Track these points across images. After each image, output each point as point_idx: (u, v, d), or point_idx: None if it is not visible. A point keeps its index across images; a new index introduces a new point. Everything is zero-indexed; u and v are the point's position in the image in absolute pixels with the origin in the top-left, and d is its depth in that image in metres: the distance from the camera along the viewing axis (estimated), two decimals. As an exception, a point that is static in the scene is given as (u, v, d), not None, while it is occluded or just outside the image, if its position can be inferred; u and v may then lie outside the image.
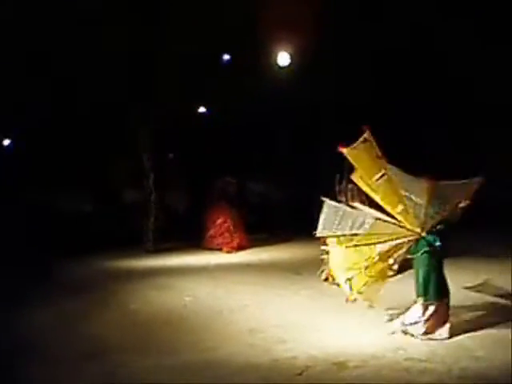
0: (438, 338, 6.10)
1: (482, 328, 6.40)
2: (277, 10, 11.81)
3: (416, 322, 6.20)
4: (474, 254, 10.56)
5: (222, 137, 15.94)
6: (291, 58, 12.72)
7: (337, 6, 12.84)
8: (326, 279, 9.16)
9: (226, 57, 14.80)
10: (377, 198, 6.63)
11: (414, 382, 5.05)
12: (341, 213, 6.48)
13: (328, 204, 6.64)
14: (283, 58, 12.78)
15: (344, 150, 6.51)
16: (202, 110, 16.28)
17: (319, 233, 6.64)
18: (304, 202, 15.48)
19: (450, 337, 6.10)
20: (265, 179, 17.59)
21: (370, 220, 6.25)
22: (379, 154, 6.50)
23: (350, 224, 6.31)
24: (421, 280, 6.24)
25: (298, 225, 14.77)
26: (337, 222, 6.42)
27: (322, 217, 6.58)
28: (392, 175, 6.46)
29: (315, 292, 8.62)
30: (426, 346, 5.93)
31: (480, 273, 9.15)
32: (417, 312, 6.24)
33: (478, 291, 8.10)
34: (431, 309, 6.18)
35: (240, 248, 13.08)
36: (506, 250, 10.70)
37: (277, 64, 12.92)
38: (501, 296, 7.81)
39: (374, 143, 6.50)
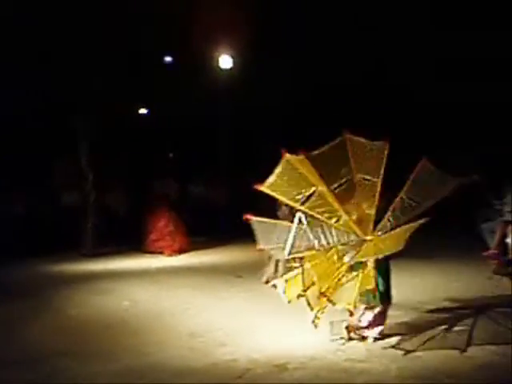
0: (371, 338, 6.20)
1: (418, 329, 6.57)
2: (217, 13, 11.84)
3: (359, 326, 6.29)
4: (411, 255, 10.84)
5: (162, 138, 15.81)
6: (233, 60, 12.75)
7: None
8: (267, 282, 9.21)
9: (168, 59, 14.71)
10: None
11: (352, 382, 5.12)
12: (272, 227, 6.31)
13: (255, 222, 6.38)
14: (225, 61, 12.80)
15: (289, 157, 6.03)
16: (142, 111, 16.11)
17: (264, 247, 6.46)
18: (243, 204, 15.55)
19: (383, 338, 6.20)
20: (205, 182, 17.56)
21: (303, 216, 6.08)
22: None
23: (287, 233, 6.09)
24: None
25: (239, 227, 14.80)
26: (274, 236, 6.23)
27: (257, 233, 6.33)
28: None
29: (256, 294, 8.64)
30: (364, 347, 6.02)
31: (416, 274, 9.45)
32: (360, 315, 6.32)
33: (414, 293, 8.29)
34: (375, 311, 6.25)
35: (182, 251, 13.00)
36: (440, 252, 11.12)
37: (219, 67, 12.93)
38: (436, 298, 8.05)
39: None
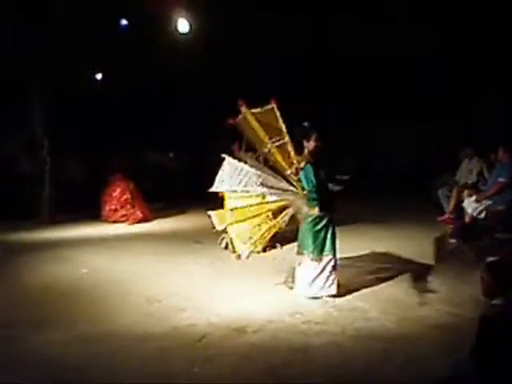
0: (328, 295, 6.42)
1: (373, 291, 6.69)
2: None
3: (313, 281, 6.45)
4: (363, 220, 11.04)
5: (119, 105, 15.51)
6: (190, 25, 12.50)
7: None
8: (226, 247, 9.24)
9: (124, 22, 14.33)
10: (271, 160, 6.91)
11: (310, 343, 5.20)
12: (240, 170, 6.51)
13: (228, 161, 6.58)
14: (183, 25, 12.53)
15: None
16: (99, 76, 15.73)
17: (215, 188, 6.63)
18: (202, 170, 15.52)
19: (339, 295, 6.42)
20: (163, 148, 17.38)
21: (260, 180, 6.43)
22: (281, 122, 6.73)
23: (245, 180, 6.43)
24: (326, 236, 6.49)
25: (197, 193, 14.82)
26: (234, 179, 6.47)
27: (220, 173, 6.55)
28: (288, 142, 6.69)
29: (215, 260, 8.65)
30: (321, 308, 6.13)
31: (367, 237, 9.66)
32: (312, 270, 6.46)
33: (367, 255, 8.44)
34: (327, 264, 6.46)
35: (144, 219, 12.86)
36: (391, 217, 11.34)
37: (177, 31, 12.66)
38: (390, 258, 8.20)
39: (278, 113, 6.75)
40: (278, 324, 5.70)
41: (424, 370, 4.60)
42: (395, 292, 6.62)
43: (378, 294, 6.58)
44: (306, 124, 6.71)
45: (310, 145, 6.56)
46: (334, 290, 6.46)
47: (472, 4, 12.14)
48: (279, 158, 6.67)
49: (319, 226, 6.45)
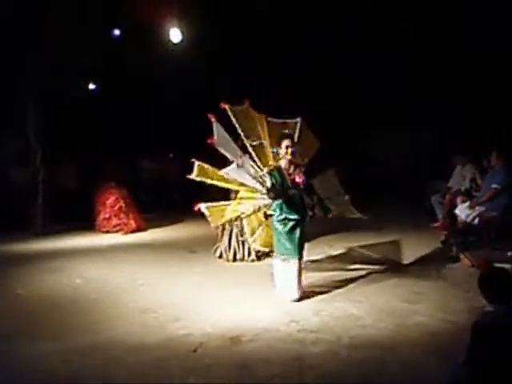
0: (292, 298, 6.62)
1: (369, 298, 6.69)
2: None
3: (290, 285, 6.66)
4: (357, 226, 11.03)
5: (114, 114, 15.51)
6: (183, 34, 12.53)
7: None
8: (220, 256, 9.23)
9: (116, 32, 14.35)
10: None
11: (305, 352, 5.19)
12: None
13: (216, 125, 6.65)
14: (175, 35, 12.55)
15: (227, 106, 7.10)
16: (91, 86, 15.74)
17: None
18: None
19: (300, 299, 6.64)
20: (159, 157, 17.36)
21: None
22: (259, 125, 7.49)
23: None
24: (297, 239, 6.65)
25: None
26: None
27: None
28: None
29: (209, 269, 8.64)
30: (316, 317, 6.12)
31: (361, 243, 9.67)
32: (290, 273, 6.64)
33: (361, 262, 8.46)
34: (292, 268, 6.67)
35: (138, 229, 12.81)
36: (385, 223, 11.35)
37: (170, 41, 12.69)
38: (384, 265, 8.21)
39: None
40: (274, 333, 5.68)
41: (420, 377, 4.60)
42: (390, 299, 6.62)
43: (374, 301, 6.58)
44: (285, 131, 7.02)
45: (282, 151, 6.74)
46: (296, 295, 6.63)
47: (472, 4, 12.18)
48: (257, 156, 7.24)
49: (286, 229, 6.62)
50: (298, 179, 6.66)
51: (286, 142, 6.69)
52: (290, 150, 6.65)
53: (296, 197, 6.70)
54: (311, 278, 7.49)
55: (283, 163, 6.78)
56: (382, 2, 13.13)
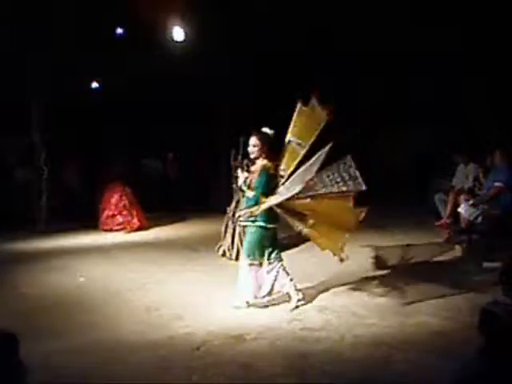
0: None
1: (373, 296, 6.68)
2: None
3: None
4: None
5: (117, 112, 15.51)
6: (186, 33, 12.51)
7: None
8: (223, 255, 9.22)
9: (119, 30, 14.32)
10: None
11: (309, 350, 5.18)
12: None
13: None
14: (178, 33, 12.54)
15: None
16: (94, 85, 15.74)
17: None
18: (201, 178, 15.52)
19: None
20: (162, 156, 17.35)
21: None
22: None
23: None
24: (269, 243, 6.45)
25: (196, 202, 14.79)
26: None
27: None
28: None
29: (212, 268, 8.64)
30: (320, 315, 6.10)
31: (363, 242, 9.56)
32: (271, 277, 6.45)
33: (364, 261, 8.40)
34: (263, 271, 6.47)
35: (141, 227, 12.81)
36: (387, 221, 11.31)
37: (172, 39, 12.67)
38: (387, 264, 8.20)
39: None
40: (277, 331, 5.67)
41: (425, 376, 4.58)
42: (394, 298, 6.60)
43: (377, 300, 6.57)
44: (266, 130, 6.64)
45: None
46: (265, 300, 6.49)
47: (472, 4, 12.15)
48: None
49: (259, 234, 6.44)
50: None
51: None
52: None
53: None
54: (314, 276, 7.48)
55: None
56: (381, 2, 13.08)
